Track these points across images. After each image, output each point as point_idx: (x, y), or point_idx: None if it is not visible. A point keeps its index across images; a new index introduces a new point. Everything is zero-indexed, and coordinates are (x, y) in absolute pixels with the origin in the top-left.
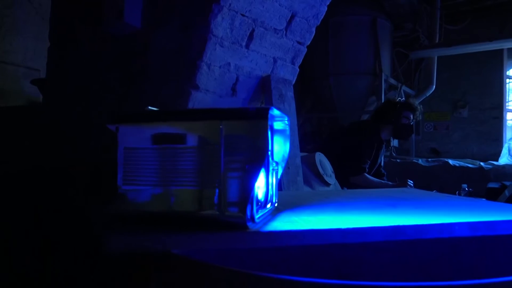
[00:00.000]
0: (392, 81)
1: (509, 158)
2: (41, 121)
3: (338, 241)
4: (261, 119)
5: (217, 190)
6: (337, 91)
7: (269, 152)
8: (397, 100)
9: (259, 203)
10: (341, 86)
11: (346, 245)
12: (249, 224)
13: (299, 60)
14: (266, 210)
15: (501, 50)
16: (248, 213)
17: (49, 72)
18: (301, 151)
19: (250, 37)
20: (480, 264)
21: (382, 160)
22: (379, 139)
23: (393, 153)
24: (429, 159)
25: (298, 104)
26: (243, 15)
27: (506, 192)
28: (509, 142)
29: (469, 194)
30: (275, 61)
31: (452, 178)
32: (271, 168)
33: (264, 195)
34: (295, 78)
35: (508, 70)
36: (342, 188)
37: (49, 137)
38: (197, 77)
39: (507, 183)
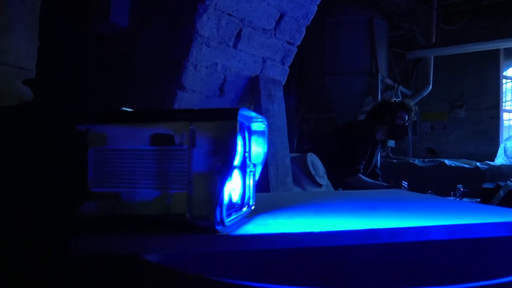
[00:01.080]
0: (389, 81)
1: (505, 158)
2: (32, 121)
3: (310, 244)
4: (231, 120)
5: (187, 193)
6: (334, 91)
7: (246, 154)
8: (393, 100)
9: (235, 206)
10: (337, 86)
11: (320, 248)
12: (219, 228)
13: (289, 60)
14: (241, 213)
15: (498, 50)
16: (218, 216)
17: (39, 72)
18: (298, 151)
19: (238, 37)
20: (457, 267)
21: (377, 160)
22: (374, 139)
23: (389, 153)
24: (426, 160)
25: (295, 104)
26: (229, 14)
27: (501, 192)
28: (505, 142)
29: (464, 195)
30: (264, 61)
31: (448, 178)
32: (248, 170)
33: (240, 197)
34: (285, 78)
35: (505, 70)
36: (336, 188)
37: (41, 137)
38: (183, 77)
39: (502, 183)
